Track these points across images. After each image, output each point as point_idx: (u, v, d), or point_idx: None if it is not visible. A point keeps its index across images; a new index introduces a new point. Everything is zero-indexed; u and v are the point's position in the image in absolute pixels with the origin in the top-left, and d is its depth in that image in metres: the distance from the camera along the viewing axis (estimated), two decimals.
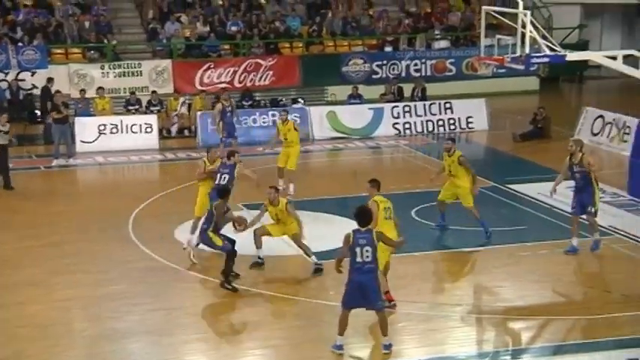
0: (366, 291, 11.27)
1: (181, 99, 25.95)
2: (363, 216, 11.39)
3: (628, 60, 18.33)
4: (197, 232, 14.69)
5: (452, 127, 25.85)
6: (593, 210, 14.84)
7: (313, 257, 14.42)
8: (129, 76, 27.50)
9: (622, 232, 16.18)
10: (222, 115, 21.67)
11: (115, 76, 27.38)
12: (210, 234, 13.84)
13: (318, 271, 14.30)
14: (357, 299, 11.35)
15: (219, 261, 13.98)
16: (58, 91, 24.24)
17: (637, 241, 15.78)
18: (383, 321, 11.50)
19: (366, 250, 11.21)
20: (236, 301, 13.51)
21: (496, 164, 22.85)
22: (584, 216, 15.03)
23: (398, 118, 25.53)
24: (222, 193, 14.17)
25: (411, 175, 20.34)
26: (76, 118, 23.80)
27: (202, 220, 14.36)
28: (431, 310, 13.26)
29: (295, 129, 19.41)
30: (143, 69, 27.65)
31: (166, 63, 27.95)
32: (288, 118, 20.05)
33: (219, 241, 13.83)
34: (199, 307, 13.54)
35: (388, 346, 11.58)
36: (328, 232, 15.14)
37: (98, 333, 12.37)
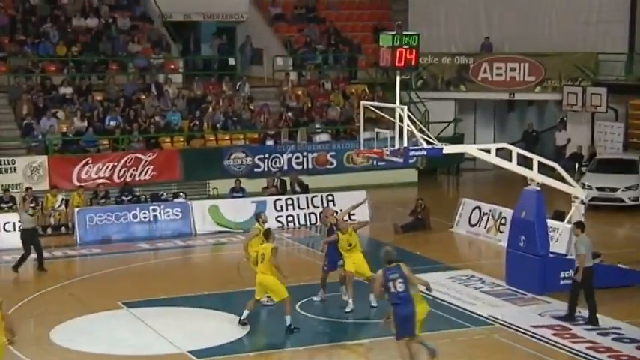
0: None
1: (59, 196, 25.27)
2: None
3: (500, 153, 18.91)
4: None
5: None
6: None
7: None
8: (2, 173, 26.65)
9: (502, 322, 16.39)
10: None
11: None
12: None
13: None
14: None
15: None
16: None
17: (516, 330, 16.00)
18: None
19: None
20: None
21: (379, 256, 22.89)
22: None
23: (281, 211, 25.52)
24: None
25: (294, 268, 20.17)
26: None
27: None
28: None
29: None
30: (17, 165, 26.89)
31: (42, 159, 27.23)
32: None
33: None
34: None
35: None
36: (209, 328, 14.75)
37: None
